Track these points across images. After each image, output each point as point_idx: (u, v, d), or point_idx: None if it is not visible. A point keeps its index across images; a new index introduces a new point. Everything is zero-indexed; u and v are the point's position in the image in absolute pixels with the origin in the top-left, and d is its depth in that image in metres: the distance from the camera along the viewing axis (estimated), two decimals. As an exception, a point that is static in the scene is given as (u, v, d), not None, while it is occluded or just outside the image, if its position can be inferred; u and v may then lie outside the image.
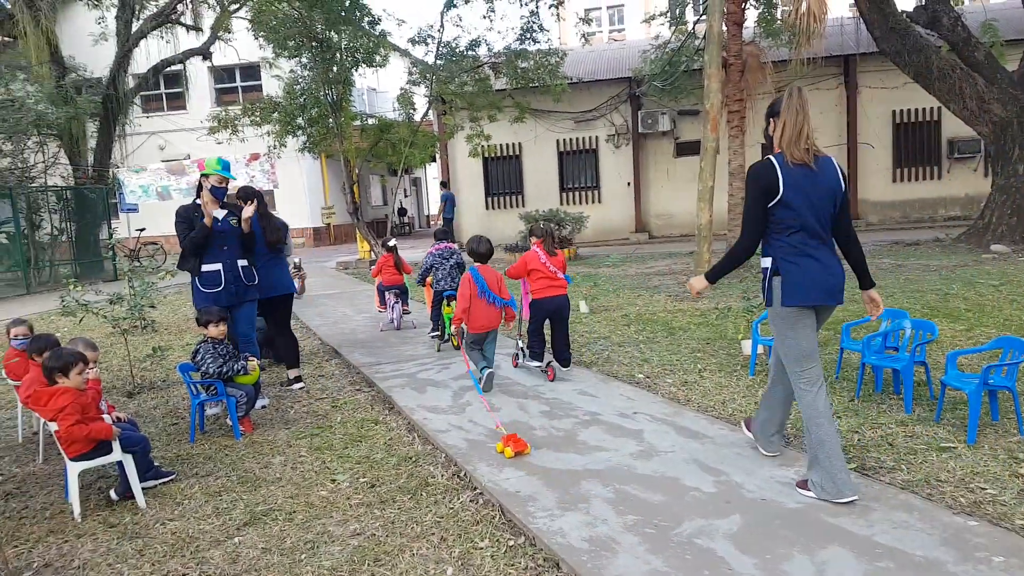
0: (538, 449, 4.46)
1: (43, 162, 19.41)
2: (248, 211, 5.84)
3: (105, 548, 3.60)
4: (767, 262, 3.65)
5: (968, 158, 18.89)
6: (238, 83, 26.87)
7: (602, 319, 8.66)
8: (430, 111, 18.71)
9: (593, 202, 20.85)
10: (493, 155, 20.16)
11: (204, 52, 21.70)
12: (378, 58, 16.42)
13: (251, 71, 25.61)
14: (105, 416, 4.26)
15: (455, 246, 8.39)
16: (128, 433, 4.26)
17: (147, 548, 3.56)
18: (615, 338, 7.58)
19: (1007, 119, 12.94)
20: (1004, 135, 13.05)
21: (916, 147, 19.26)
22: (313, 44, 15.74)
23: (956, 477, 3.70)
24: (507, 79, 17.40)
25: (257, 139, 17.51)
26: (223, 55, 22.54)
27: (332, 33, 15.75)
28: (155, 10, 20.48)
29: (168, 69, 22.37)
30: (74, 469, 3.99)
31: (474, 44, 17.05)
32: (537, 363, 6.34)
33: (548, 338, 6.44)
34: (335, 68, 16.16)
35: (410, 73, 17.83)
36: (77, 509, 3.98)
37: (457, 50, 17.06)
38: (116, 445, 4.06)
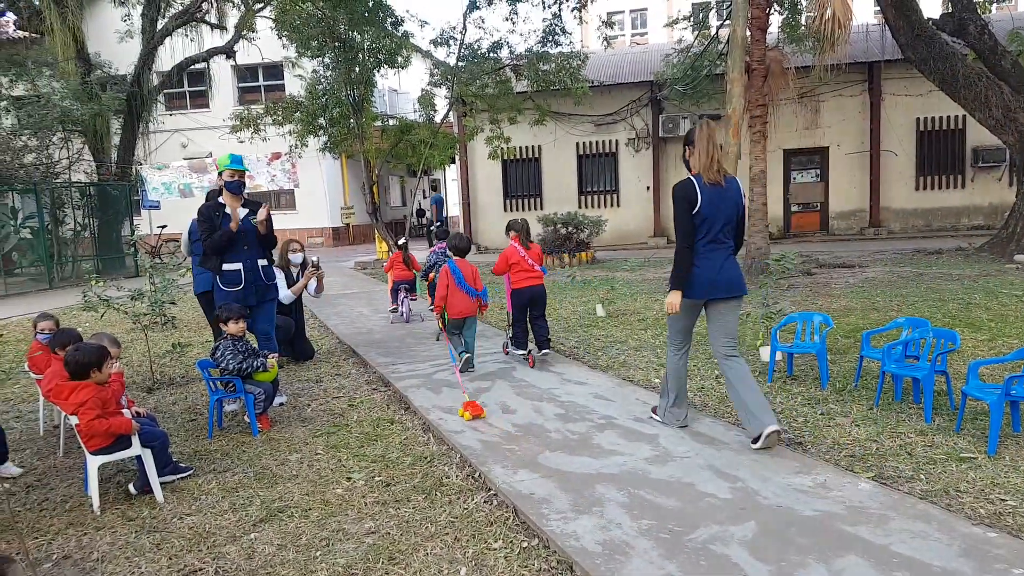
0: (552, 452, 4.46)
1: (67, 158, 19.67)
2: (262, 213, 5.91)
3: (123, 541, 3.64)
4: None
5: (993, 167, 18.69)
6: (261, 82, 27.04)
7: (619, 323, 8.63)
8: (451, 112, 18.74)
9: (612, 206, 20.83)
10: (512, 157, 20.14)
11: (228, 51, 21.87)
12: (400, 59, 16.46)
13: (274, 70, 25.76)
14: (125, 411, 4.31)
15: None
16: (148, 428, 4.31)
17: (164, 542, 3.60)
18: (632, 342, 7.56)
19: (1033, 128, 12.77)
20: (1029, 144, 12.89)
21: (940, 155, 19.07)
22: (336, 44, 15.84)
23: (976, 488, 3.66)
24: (528, 81, 17.41)
25: (279, 138, 17.62)
26: (246, 54, 22.69)
27: (355, 33, 15.84)
28: (180, 8, 20.71)
29: (192, 67, 22.57)
30: (94, 463, 4.04)
31: (496, 46, 17.07)
32: (521, 351, 7.00)
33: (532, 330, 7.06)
34: (357, 68, 16.25)
35: (432, 74, 17.89)
36: (96, 502, 4.02)
37: (479, 52, 17.09)
38: (136, 440, 4.11)
